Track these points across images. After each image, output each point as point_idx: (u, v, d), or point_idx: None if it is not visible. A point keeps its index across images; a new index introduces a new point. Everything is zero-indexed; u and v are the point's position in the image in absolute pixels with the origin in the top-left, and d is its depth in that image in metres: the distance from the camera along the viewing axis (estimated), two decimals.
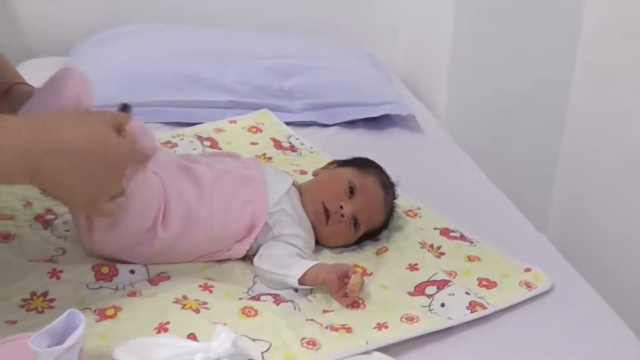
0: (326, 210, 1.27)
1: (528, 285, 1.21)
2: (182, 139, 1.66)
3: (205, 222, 1.17)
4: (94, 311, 1.04)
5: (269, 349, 0.98)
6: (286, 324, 1.04)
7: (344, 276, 1.14)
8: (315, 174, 1.39)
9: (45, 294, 1.09)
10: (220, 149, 1.66)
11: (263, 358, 0.97)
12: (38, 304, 1.08)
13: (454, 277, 1.22)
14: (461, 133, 2.04)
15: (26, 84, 1.26)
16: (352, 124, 1.88)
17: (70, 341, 0.87)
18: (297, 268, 1.16)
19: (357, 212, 1.27)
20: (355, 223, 1.28)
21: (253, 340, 1.00)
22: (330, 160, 1.52)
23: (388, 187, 1.34)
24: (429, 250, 1.29)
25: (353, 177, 1.29)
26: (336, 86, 1.93)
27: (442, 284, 1.18)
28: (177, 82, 1.85)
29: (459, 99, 2.18)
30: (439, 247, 1.31)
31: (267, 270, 1.17)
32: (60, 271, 1.14)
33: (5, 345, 0.89)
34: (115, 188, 0.99)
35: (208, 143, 1.67)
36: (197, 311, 1.05)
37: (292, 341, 1.00)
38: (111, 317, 1.03)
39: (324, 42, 2.25)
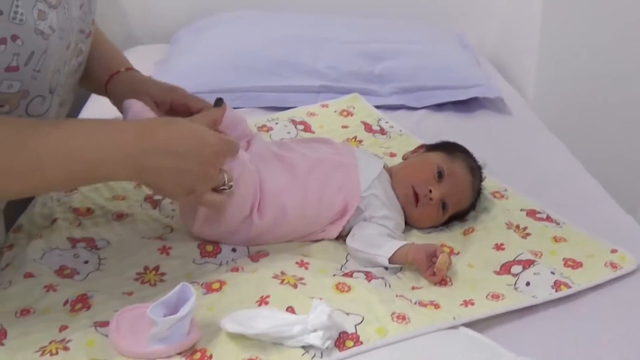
0: (415, 194, 1.32)
1: (614, 265, 1.24)
2: (276, 123, 1.73)
3: (299, 208, 1.24)
4: (201, 284, 1.14)
5: (361, 322, 1.05)
6: (378, 299, 1.10)
7: (432, 255, 1.20)
8: (404, 157, 1.45)
9: (156, 268, 1.20)
10: (313, 132, 1.73)
11: (356, 330, 1.04)
12: (151, 278, 1.18)
13: (540, 257, 1.26)
14: (550, 115, 2.03)
15: (130, 69, 1.35)
16: (440, 106, 1.90)
17: (183, 311, 0.96)
18: (387, 248, 1.22)
19: (445, 195, 1.32)
20: (444, 206, 1.33)
21: (347, 314, 1.07)
22: (419, 143, 1.57)
23: (475, 170, 1.39)
24: (515, 231, 1.33)
25: (441, 162, 1.34)
26: (425, 70, 1.96)
27: (527, 264, 1.22)
28: (272, 68, 1.92)
29: (548, 81, 2.17)
30: (525, 228, 1.34)
31: (358, 250, 1.24)
32: (170, 248, 1.24)
33: (127, 313, 1.00)
34: (213, 180, 1.07)
35: (301, 127, 1.73)
36: (295, 286, 1.13)
37: (384, 315, 1.07)
38: (217, 290, 1.12)
39: (413, 25, 2.28)
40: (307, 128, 1.74)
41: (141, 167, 0.99)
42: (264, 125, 1.72)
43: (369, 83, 1.93)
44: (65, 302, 1.10)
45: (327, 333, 1.00)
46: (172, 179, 1.02)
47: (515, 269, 1.22)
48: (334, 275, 1.19)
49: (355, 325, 1.05)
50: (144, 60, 2.10)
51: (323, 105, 1.84)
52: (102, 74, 1.32)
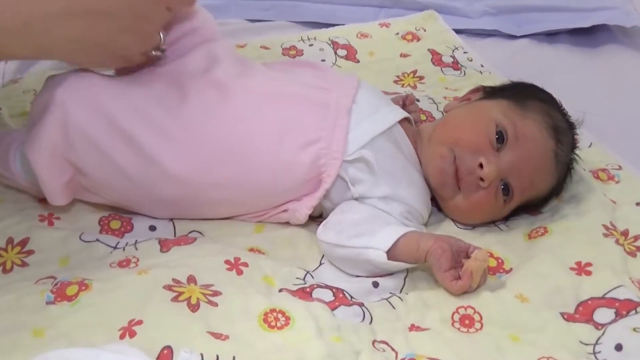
0: (457, 169, 0.83)
1: None
2: (311, 45, 1.31)
3: (239, 168, 0.79)
4: (53, 287, 0.70)
5: None
6: (323, 353, 0.63)
7: (461, 254, 0.78)
8: (447, 109, 0.95)
9: (23, 242, 0.80)
10: (358, 61, 1.29)
11: None
12: (9, 258, 0.77)
13: None
14: None
15: None
16: (550, 36, 1.47)
17: None
18: (383, 235, 0.77)
19: (507, 173, 0.85)
20: (506, 189, 0.84)
21: None
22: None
23: (563, 132, 0.87)
24: (618, 242, 0.84)
25: (504, 117, 0.85)
26: None
27: (626, 307, 0.74)
28: None
29: None
30: (637, 237, 0.85)
31: (333, 243, 0.79)
32: (57, 218, 0.84)
33: None
34: (149, 39, 0.78)
35: (343, 52, 1.31)
36: (195, 308, 0.68)
37: None
38: (69, 299, 0.69)
39: None
40: (350, 54, 1.31)
41: (47, 40, 0.72)
42: (292, 47, 1.30)
43: None
44: None
45: None
46: (94, 48, 0.76)
47: (603, 313, 0.74)
48: (280, 290, 0.73)
49: None
50: None
51: (382, 25, 1.40)
52: None
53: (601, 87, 1.30)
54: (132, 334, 0.65)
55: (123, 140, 0.76)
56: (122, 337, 0.65)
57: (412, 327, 0.72)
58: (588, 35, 1.45)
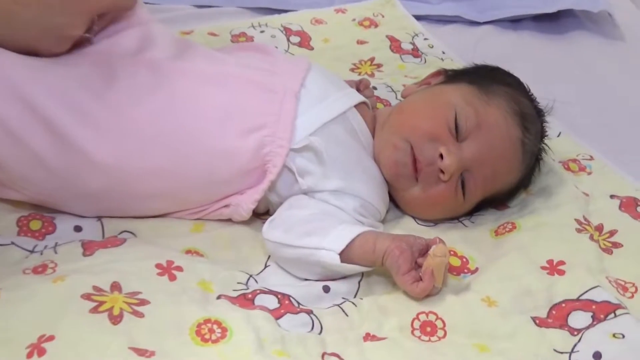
0: (415, 160, 0.76)
1: None
2: (262, 31, 1.24)
3: (171, 155, 0.71)
4: None
5: None
6: None
7: (421, 253, 0.71)
8: (405, 94, 0.89)
9: None
10: (312, 48, 1.22)
11: None
12: None
13: (632, 297, 0.73)
14: None
15: None
16: (514, 22, 1.40)
17: None
18: (336, 235, 0.70)
19: (469, 164, 0.78)
20: (465, 183, 0.78)
21: None
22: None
23: (530, 120, 0.81)
24: (592, 238, 0.79)
25: (465, 103, 0.78)
26: None
27: (604, 311, 0.68)
28: None
29: None
30: (613, 233, 0.81)
31: (280, 243, 0.71)
32: None
33: None
34: (84, 20, 0.70)
35: (297, 39, 1.24)
36: (117, 320, 0.59)
37: None
38: None
39: None
40: (304, 41, 1.24)
41: None
42: (242, 34, 1.23)
43: None
44: None
45: None
46: (22, 23, 0.68)
47: (578, 317, 0.68)
48: (218, 296, 0.65)
49: None
50: None
51: (338, 11, 1.34)
52: None
53: (567, 75, 1.25)
54: (41, 352, 0.56)
55: (41, 125, 0.67)
56: (29, 356, 0.57)
57: (367, 337, 0.65)
58: (553, 22, 1.39)
